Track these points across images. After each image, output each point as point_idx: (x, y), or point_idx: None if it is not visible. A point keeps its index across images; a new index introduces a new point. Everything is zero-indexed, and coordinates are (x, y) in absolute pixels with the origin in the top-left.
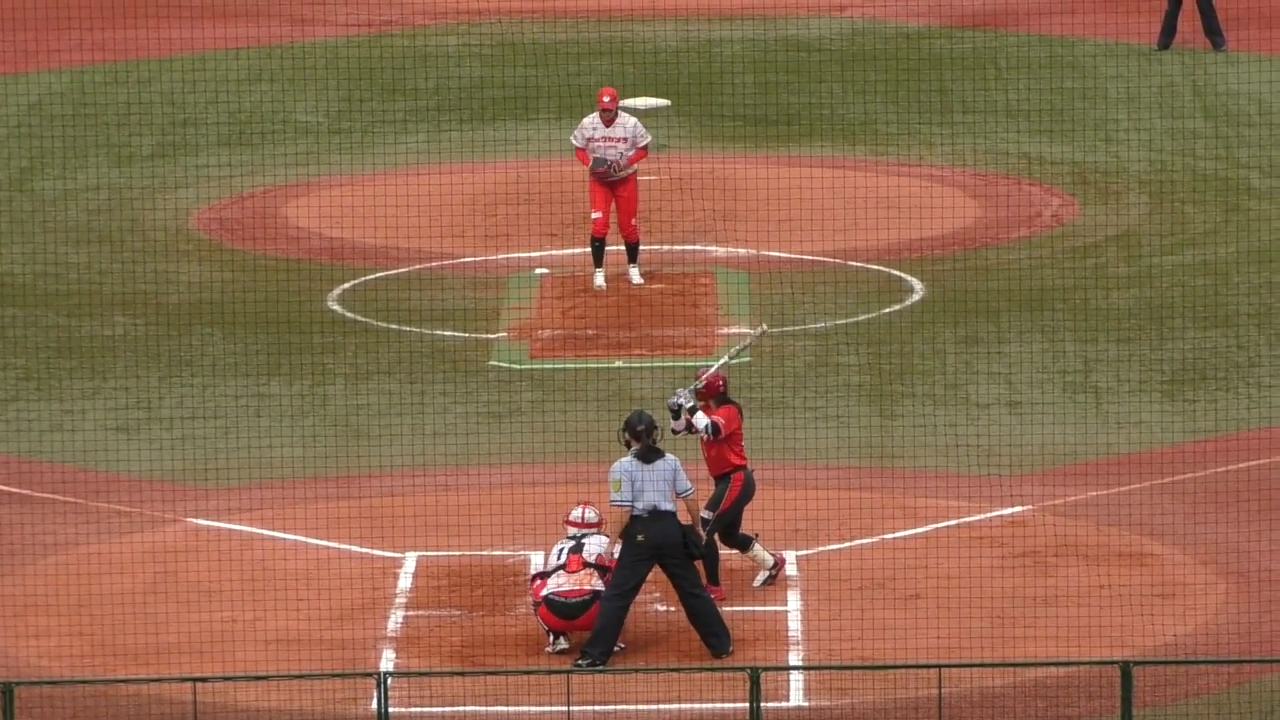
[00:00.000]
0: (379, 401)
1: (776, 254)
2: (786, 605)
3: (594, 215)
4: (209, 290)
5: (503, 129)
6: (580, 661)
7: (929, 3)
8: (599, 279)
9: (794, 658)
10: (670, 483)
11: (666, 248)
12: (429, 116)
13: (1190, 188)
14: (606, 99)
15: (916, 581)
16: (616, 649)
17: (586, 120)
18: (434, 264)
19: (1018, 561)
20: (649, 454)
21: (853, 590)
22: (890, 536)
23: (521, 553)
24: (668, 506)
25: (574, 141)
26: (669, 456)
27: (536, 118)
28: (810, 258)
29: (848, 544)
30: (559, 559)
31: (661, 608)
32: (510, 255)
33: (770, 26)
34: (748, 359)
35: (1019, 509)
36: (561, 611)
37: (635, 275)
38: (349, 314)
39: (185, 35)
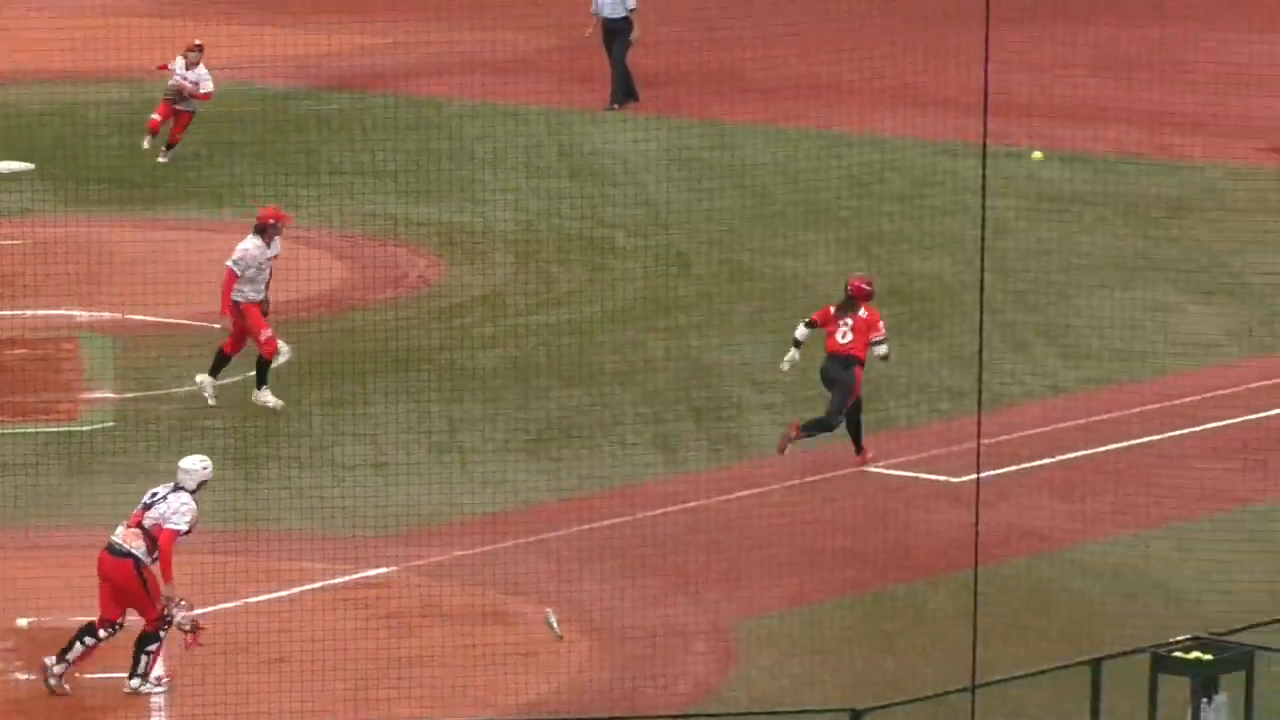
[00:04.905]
0: None
1: (142, 317)
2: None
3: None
4: None
5: None
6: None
7: (295, 64)
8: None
9: None
10: None
11: (30, 313)
12: None
13: (556, 247)
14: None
15: (280, 645)
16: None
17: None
18: None
19: (382, 623)
20: None
21: (215, 655)
22: (254, 600)
23: None
24: None
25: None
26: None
27: None
28: (176, 321)
29: (210, 609)
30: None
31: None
32: None
33: (137, 89)
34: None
35: (384, 570)
36: (107, 557)
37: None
38: None
39: None
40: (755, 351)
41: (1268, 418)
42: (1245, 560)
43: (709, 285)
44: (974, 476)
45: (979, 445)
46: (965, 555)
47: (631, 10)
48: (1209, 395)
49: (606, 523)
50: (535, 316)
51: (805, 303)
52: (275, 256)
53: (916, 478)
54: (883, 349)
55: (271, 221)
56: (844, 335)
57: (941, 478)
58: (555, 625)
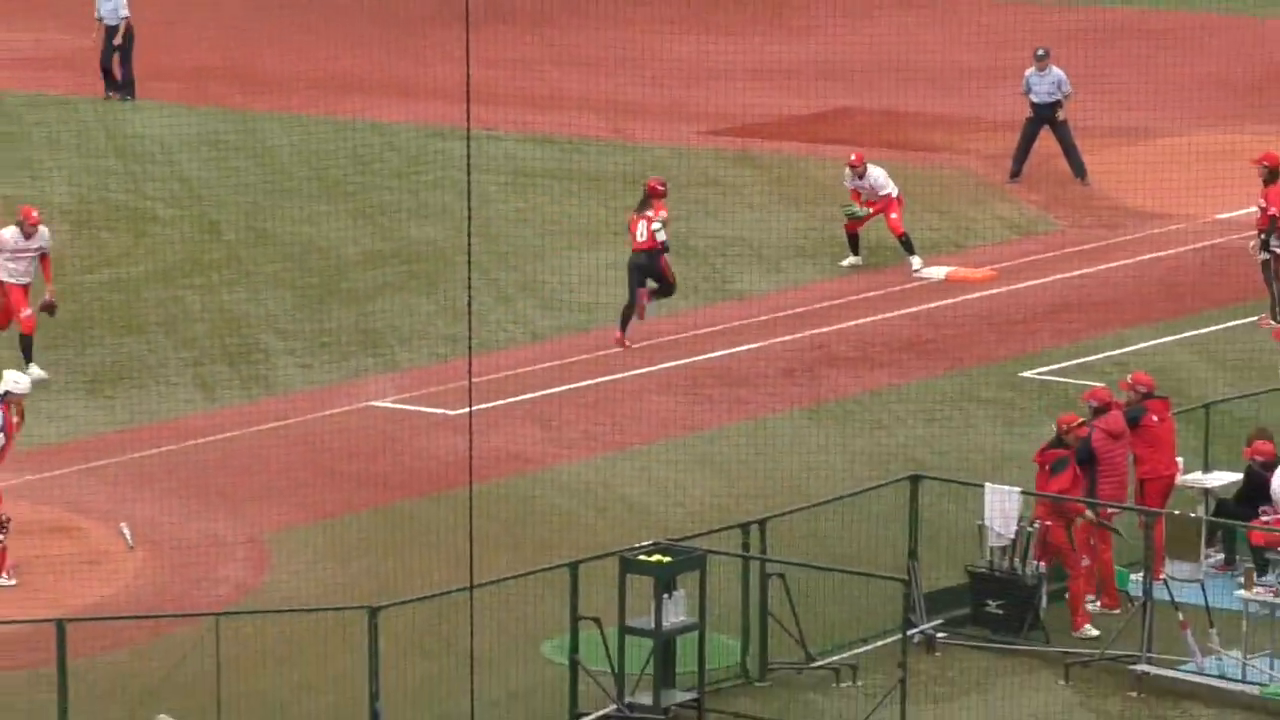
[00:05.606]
0: None
1: None
2: None
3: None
4: None
5: None
6: None
7: None
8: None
9: None
10: None
11: None
12: None
13: (106, 217)
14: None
15: None
16: None
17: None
18: None
19: None
20: None
21: None
22: None
23: None
24: None
25: None
26: None
27: None
28: None
29: None
30: None
31: None
32: None
33: None
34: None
35: None
36: None
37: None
38: None
39: None
40: (278, 304)
41: (710, 359)
42: (696, 478)
43: (238, 249)
44: (467, 410)
45: (471, 383)
46: (461, 476)
47: (125, 17)
48: (662, 340)
49: (155, 451)
50: (90, 276)
51: (320, 264)
52: (41, 248)
53: (419, 411)
54: (661, 234)
55: (21, 219)
56: (642, 234)
57: (440, 411)
58: (129, 536)
